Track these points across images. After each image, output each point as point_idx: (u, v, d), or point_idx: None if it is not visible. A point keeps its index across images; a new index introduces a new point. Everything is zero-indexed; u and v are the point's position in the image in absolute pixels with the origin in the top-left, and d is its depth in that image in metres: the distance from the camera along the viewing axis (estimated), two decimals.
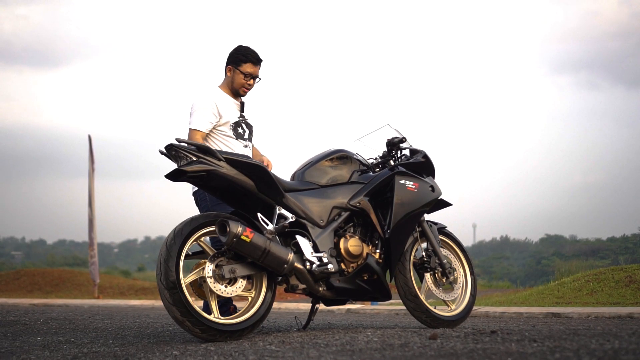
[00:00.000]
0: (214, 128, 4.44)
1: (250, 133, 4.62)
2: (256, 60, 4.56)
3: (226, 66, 4.58)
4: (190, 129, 4.42)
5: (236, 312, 3.94)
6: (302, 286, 3.96)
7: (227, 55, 4.59)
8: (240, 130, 4.53)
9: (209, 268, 3.66)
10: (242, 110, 4.59)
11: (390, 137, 4.59)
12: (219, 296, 3.71)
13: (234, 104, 4.56)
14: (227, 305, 4.23)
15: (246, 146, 4.55)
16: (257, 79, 4.59)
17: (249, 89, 4.57)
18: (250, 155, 4.56)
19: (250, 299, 3.82)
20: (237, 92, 4.57)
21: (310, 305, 4.37)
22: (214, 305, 3.70)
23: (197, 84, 4.73)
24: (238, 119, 4.54)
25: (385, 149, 4.61)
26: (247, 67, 4.53)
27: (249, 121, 4.63)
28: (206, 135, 4.43)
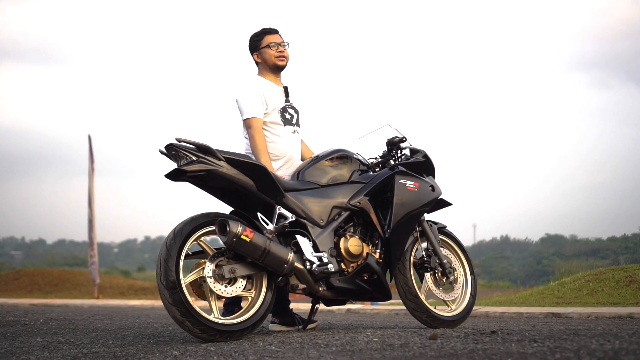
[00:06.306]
0: (264, 116, 4.38)
1: (298, 117, 4.55)
2: (270, 30, 4.53)
3: (253, 56, 4.55)
4: (246, 119, 4.33)
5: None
6: (302, 286, 3.95)
7: (248, 49, 4.57)
8: (287, 115, 4.47)
9: (208, 268, 3.65)
10: (286, 94, 4.51)
11: (390, 137, 4.58)
12: (219, 296, 3.71)
13: (278, 90, 4.49)
14: (233, 305, 4.21)
15: (294, 131, 4.50)
16: (286, 44, 4.52)
17: (284, 56, 4.49)
18: (299, 140, 4.54)
19: (250, 299, 3.82)
20: (276, 66, 4.49)
21: (310, 305, 4.36)
22: (213, 305, 3.70)
23: (238, 78, 4.66)
24: (284, 104, 4.47)
25: (385, 148, 4.60)
26: (268, 39, 4.48)
27: (295, 105, 4.55)
28: None
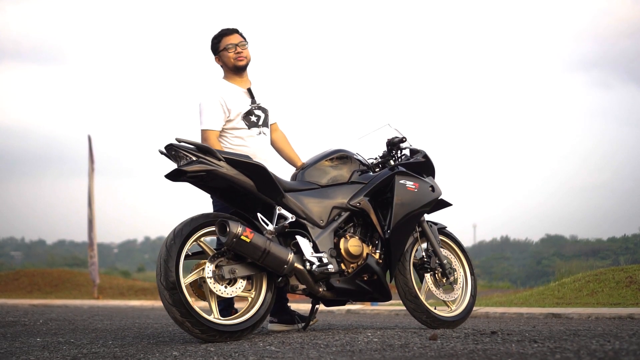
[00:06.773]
0: (225, 123, 4.36)
1: (266, 117, 4.49)
2: (228, 31, 4.48)
3: (215, 59, 4.52)
4: (202, 130, 4.32)
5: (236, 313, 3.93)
6: (302, 286, 3.95)
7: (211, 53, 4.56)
8: (253, 118, 4.41)
9: (208, 268, 3.65)
10: (251, 96, 4.46)
11: (390, 137, 4.58)
12: (219, 297, 3.71)
13: (242, 93, 4.43)
14: (229, 309, 4.21)
15: (260, 133, 4.43)
16: (245, 43, 4.47)
17: (244, 55, 4.43)
18: (268, 140, 4.49)
19: (250, 299, 3.82)
20: (237, 68, 4.43)
21: (310, 305, 4.36)
22: (213, 306, 3.69)
23: (202, 82, 4.65)
24: (250, 107, 4.41)
25: (385, 148, 4.60)
26: (225, 42, 4.44)
27: (262, 105, 4.49)
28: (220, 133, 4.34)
